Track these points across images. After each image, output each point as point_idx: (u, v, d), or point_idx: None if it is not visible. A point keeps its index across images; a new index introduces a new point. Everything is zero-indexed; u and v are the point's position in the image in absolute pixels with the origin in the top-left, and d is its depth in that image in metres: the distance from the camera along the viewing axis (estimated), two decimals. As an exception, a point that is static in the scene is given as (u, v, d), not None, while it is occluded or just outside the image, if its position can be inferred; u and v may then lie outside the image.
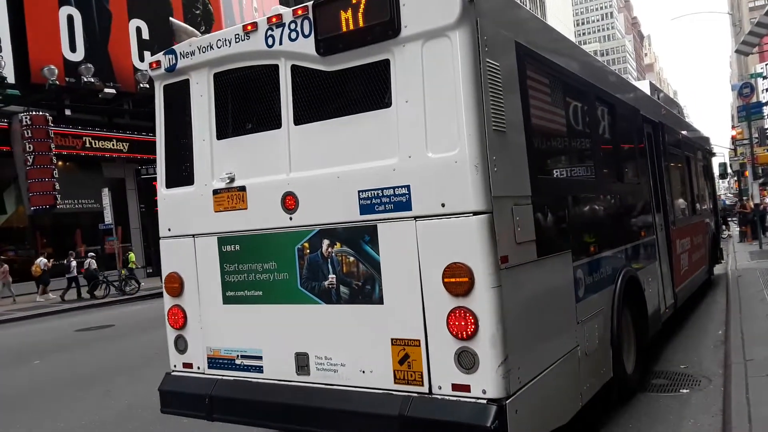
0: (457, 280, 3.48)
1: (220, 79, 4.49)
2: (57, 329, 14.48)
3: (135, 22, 27.95)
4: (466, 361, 3.49)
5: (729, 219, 27.67)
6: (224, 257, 4.43)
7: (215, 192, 4.45)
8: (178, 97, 4.69)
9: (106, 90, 25.62)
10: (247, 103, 4.46)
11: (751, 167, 23.72)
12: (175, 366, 4.73)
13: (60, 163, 24.03)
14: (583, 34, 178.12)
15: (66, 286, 21.85)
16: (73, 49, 25.59)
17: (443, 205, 3.55)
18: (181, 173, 4.68)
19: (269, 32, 4.17)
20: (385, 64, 3.78)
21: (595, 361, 4.90)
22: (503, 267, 3.54)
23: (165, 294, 4.74)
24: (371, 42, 3.78)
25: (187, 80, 4.63)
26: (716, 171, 17.19)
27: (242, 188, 4.33)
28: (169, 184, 4.75)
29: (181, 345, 4.68)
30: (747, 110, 21.79)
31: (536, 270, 4.01)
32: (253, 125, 4.39)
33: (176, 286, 4.65)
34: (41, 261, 21.28)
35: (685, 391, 5.90)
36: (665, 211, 7.98)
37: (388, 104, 3.77)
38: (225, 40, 4.39)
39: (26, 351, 11.47)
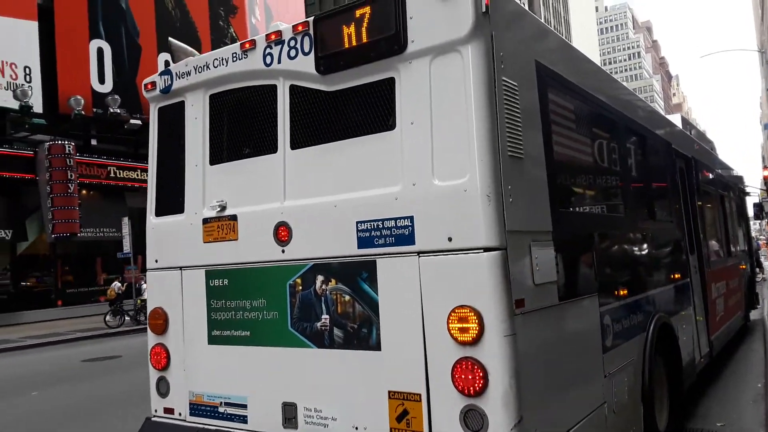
0: (464, 326, 3.04)
1: (215, 100, 4.19)
2: (64, 359, 14.17)
3: (164, 56, 28.34)
4: (474, 422, 3.02)
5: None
6: (212, 292, 4.04)
7: (205, 221, 4.10)
8: (173, 120, 4.39)
9: (132, 121, 25.85)
10: (242, 126, 4.13)
11: (784, 208, 22.80)
12: (155, 411, 4.31)
13: (84, 191, 24.20)
14: (611, 73, 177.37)
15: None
16: (101, 80, 26.00)
17: (450, 240, 3.13)
18: (171, 201, 4.34)
19: (267, 50, 3.86)
20: (390, 83, 3.42)
21: (624, 419, 4.35)
22: (518, 312, 3.08)
23: (149, 331, 4.36)
24: (375, 59, 3.43)
25: (183, 102, 4.33)
26: (750, 211, 16.44)
27: (233, 217, 3.97)
28: (159, 212, 4.42)
29: (162, 388, 4.27)
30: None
31: (557, 316, 3.54)
32: (248, 150, 4.05)
33: (160, 322, 4.27)
34: (116, 285, 21.20)
35: (723, 453, 5.29)
36: (699, 252, 7.43)
37: (392, 126, 3.40)
38: (222, 59, 4.09)
39: (27, 381, 11.14)
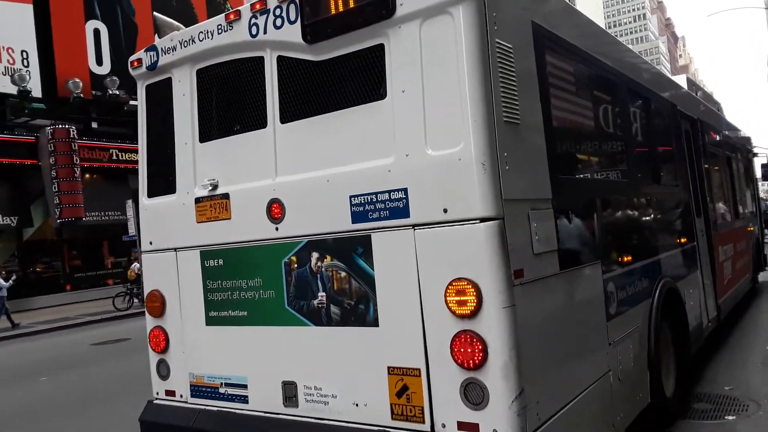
0: (462, 298, 2.95)
1: (203, 75, 4.06)
2: (73, 343, 14.27)
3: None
4: (474, 395, 2.95)
5: None
6: (207, 273, 3.97)
7: (197, 200, 4.01)
8: (161, 97, 4.27)
9: (132, 102, 25.60)
10: (231, 101, 4.01)
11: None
12: (157, 393, 4.28)
13: (87, 175, 24.14)
14: (616, 35, 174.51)
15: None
16: (99, 62, 25.73)
17: (445, 211, 3.03)
18: (163, 181, 4.25)
19: (253, 20, 3.73)
20: (380, 50, 3.29)
21: (630, 386, 4.30)
22: (517, 283, 2.99)
23: (147, 314, 4.31)
24: (363, 25, 3.30)
25: (170, 78, 4.21)
26: (758, 172, 16.20)
27: (225, 196, 3.88)
28: (151, 193, 4.33)
29: (163, 370, 4.23)
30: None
31: (559, 285, 3.45)
32: (238, 125, 3.94)
33: (158, 305, 4.21)
34: (135, 266, 21.28)
35: (730, 417, 5.23)
36: (706, 215, 7.30)
37: (383, 95, 3.28)
38: (207, 32, 3.96)
39: (37, 366, 11.23)
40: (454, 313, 2.99)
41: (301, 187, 3.55)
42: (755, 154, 15.56)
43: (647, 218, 5.27)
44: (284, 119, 3.65)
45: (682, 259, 6.04)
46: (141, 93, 4.40)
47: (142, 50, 4.36)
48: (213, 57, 3.97)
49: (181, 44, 4.09)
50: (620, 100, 4.90)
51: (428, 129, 3.09)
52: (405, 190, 3.16)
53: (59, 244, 25.38)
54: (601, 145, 4.71)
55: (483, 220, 2.93)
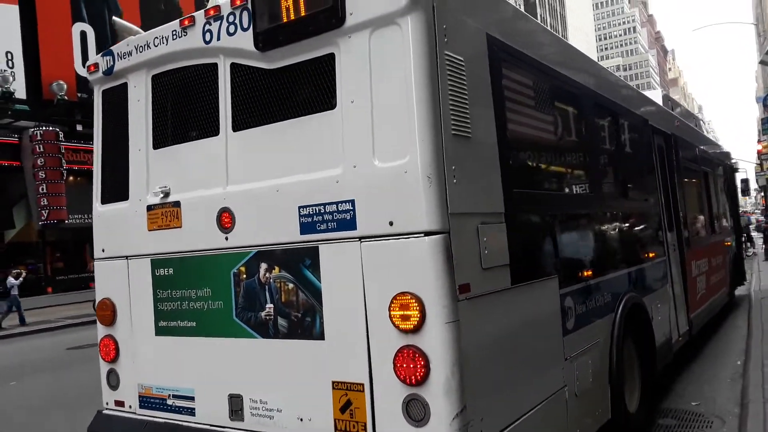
0: (406, 313, 2.91)
1: (158, 81, 4.01)
2: (51, 346, 14.09)
3: (148, 38, 27.89)
4: (416, 411, 2.90)
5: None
6: (157, 282, 3.91)
7: (149, 208, 3.94)
8: (117, 103, 4.22)
9: (117, 105, 25.48)
10: (184, 108, 3.95)
11: (777, 183, 22.71)
12: (107, 403, 4.20)
13: (71, 178, 23.95)
14: (606, 48, 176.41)
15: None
16: (85, 65, 25.56)
17: (391, 224, 2.99)
18: (117, 188, 4.18)
19: (207, 26, 3.68)
20: (330, 59, 3.25)
21: (588, 402, 4.25)
22: (462, 298, 2.95)
23: (98, 323, 4.23)
24: (314, 33, 3.26)
25: (125, 84, 4.15)
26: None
27: (177, 204, 3.82)
28: (105, 199, 4.26)
29: (113, 380, 4.15)
30: (772, 123, 20.88)
31: (509, 300, 3.41)
32: (190, 132, 3.88)
33: (108, 313, 4.13)
34: None
35: (695, 434, 5.21)
36: (678, 230, 7.29)
37: (333, 106, 3.23)
38: (162, 38, 3.91)
39: (8, 370, 11.06)
40: (397, 327, 2.94)
41: (252, 196, 3.49)
42: (736, 170, 15.68)
43: (611, 233, 5.24)
44: (236, 127, 3.60)
45: (650, 274, 6.02)
46: (97, 98, 4.34)
47: (99, 55, 4.29)
48: (168, 63, 3.91)
49: (136, 49, 4.04)
50: (582, 113, 4.88)
51: (376, 140, 3.05)
52: (352, 202, 3.11)
53: (41, 247, 25.14)
54: (560, 158, 4.68)
55: (428, 233, 2.89)
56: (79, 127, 25.64)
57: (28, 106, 23.01)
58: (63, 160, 22.78)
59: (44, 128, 22.59)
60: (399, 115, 2.97)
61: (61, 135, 22.88)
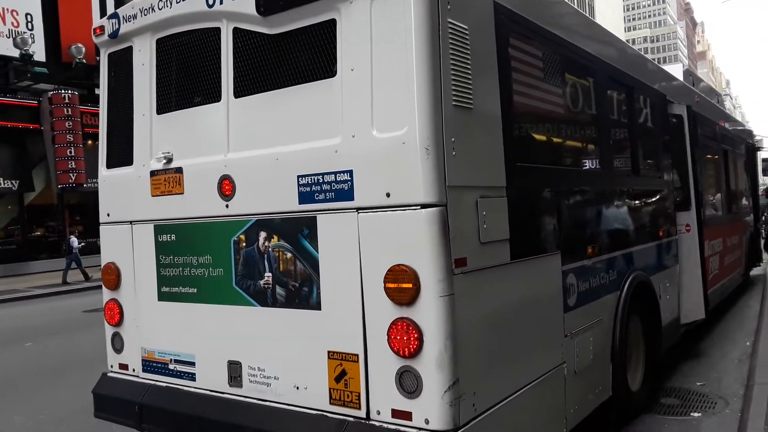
0: (400, 285, 2.89)
1: (162, 45, 3.97)
2: (66, 309, 14.38)
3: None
4: (409, 383, 2.91)
5: None
6: (160, 248, 3.93)
7: (152, 173, 3.95)
8: (122, 66, 4.19)
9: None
10: (188, 73, 3.91)
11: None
12: (111, 366, 4.27)
13: (90, 141, 24.12)
14: (633, 19, 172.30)
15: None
16: (102, 28, 25.52)
17: (388, 195, 2.95)
18: (122, 152, 4.18)
19: None
20: (331, 25, 3.18)
21: (587, 379, 4.24)
22: (458, 271, 2.92)
23: (103, 286, 4.28)
24: None
25: (131, 47, 4.12)
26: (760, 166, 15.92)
27: (179, 170, 3.81)
28: (110, 164, 4.28)
29: (117, 344, 4.21)
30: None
31: (508, 275, 3.37)
32: (193, 98, 3.85)
33: (113, 278, 4.18)
34: None
35: (696, 414, 5.18)
36: (697, 208, 7.13)
37: (333, 73, 3.18)
38: (167, 1, 3.86)
39: (24, 332, 11.30)
40: (392, 299, 2.93)
41: (252, 164, 3.47)
42: (759, 148, 15.31)
43: (618, 210, 5.15)
44: (238, 94, 3.56)
45: (659, 253, 5.94)
46: (103, 61, 4.32)
47: (105, 17, 4.26)
48: (171, 26, 3.87)
49: (141, 12, 3.99)
50: (594, 86, 4.76)
51: (375, 110, 3.00)
52: (350, 172, 3.08)
53: (60, 210, 25.47)
54: (568, 132, 4.58)
55: (424, 206, 2.85)
56: (97, 91, 25.72)
57: (47, 68, 23.09)
58: (76, 123, 22.89)
59: (62, 90, 22.67)
60: (398, 84, 2.91)
61: (73, 97, 22.88)
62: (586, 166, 4.81)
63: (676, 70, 8.25)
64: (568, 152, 4.63)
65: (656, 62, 7.50)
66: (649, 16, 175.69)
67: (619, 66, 5.27)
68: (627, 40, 6.20)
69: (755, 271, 12.57)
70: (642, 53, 6.65)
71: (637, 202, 5.54)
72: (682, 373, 6.40)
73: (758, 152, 15.30)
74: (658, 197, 6.14)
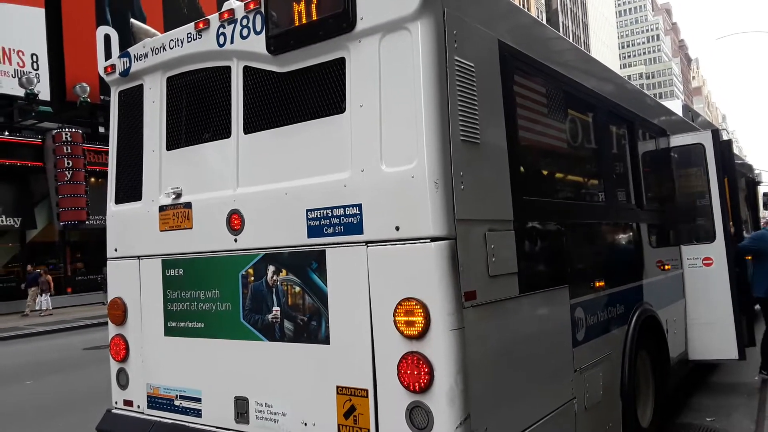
0: (410, 319, 2.88)
1: (173, 83, 4.04)
2: (68, 347, 14.26)
3: (171, 42, 28.22)
4: (419, 419, 2.88)
5: None
6: (168, 282, 3.93)
7: (161, 209, 3.97)
8: (133, 104, 4.26)
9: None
10: (198, 109, 3.97)
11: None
12: (116, 402, 4.22)
13: (92, 179, 24.30)
14: (629, 56, 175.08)
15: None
16: (107, 67, 25.94)
17: (398, 229, 2.97)
18: (130, 188, 4.22)
19: (221, 30, 3.71)
20: (341, 63, 3.25)
21: (597, 415, 4.19)
22: (468, 305, 2.92)
23: (109, 322, 4.26)
24: (325, 38, 3.26)
25: (141, 85, 4.19)
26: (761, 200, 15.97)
27: (188, 205, 3.84)
28: (119, 199, 4.30)
29: (122, 379, 4.18)
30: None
31: (517, 308, 3.37)
32: (203, 134, 3.91)
33: (119, 313, 4.17)
34: None
35: (707, 451, 5.11)
36: (723, 238, 7.09)
37: (342, 110, 3.23)
38: (178, 41, 3.95)
39: (26, 369, 11.22)
40: (402, 333, 2.92)
41: (261, 198, 3.50)
42: (758, 182, 15.39)
43: (624, 244, 5.17)
44: (248, 130, 3.62)
45: (665, 287, 5.92)
46: (114, 99, 4.39)
47: (116, 56, 4.35)
48: (182, 65, 3.95)
49: (152, 51, 4.08)
50: (596, 122, 4.83)
51: (384, 145, 3.04)
52: (359, 206, 3.11)
53: (62, 247, 25.50)
54: (572, 167, 4.63)
55: (434, 239, 2.87)
56: (101, 129, 26.04)
57: (51, 107, 23.43)
58: (79, 161, 23.09)
59: (66, 129, 22.95)
60: (407, 119, 2.96)
61: (76, 136, 23.11)
62: (589, 199, 4.85)
63: (675, 106, 8.34)
64: (573, 186, 4.67)
65: (654, 97, 7.60)
66: (644, 53, 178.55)
67: (621, 102, 5.35)
68: (624, 77, 6.25)
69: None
70: (641, 89, 6.74)
71: (640, 235, 5.54)
72: (692, 408, 6.32)
73: (758, 186, 15.38)
74: (661, 230, 6.15)
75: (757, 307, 7.85)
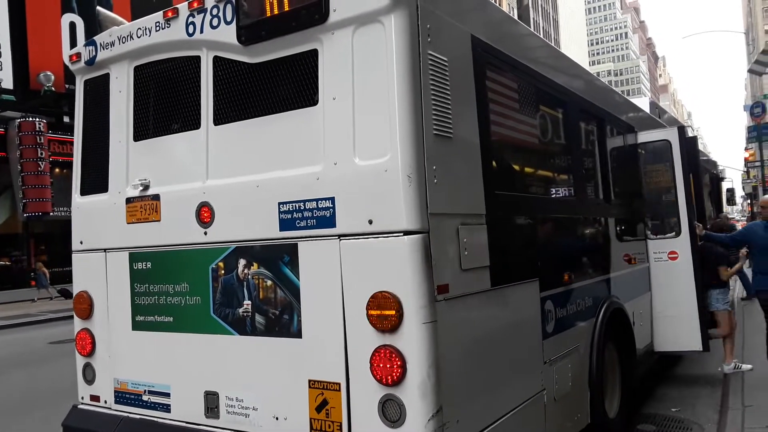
0: (383, 312, 2.88)
1: (140, 73, 3.96)
2: (32, 341, 13.93)
3: (139, 31, 27.64)
4: (392, 412, 2.88)
5: None
6: (135, 276, 3.86)
7: (128, 201, 3.89)
8: (99, 93, 4.16)
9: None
10: (166, 100, 3.90)
11: (762, 189, 22.94)
12: (82, 398, 4.14)
13: (57, 170, 23.71)
14: (597, 53, 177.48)
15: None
16: (72, 55, 25.30)
17: (371, 222, 2.96)
18: (96, 179, 4.12)
19: (190, 19, 3.64)
20: (313, 55, 3.21)
21: (566, 406, 4.25)
22: (441, 298, 2.93)
23: (74, 316, 4.17)
24: (297, 29, 3.22)
25: (108, 75, 4.10)
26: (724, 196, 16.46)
27: (156, 197, 3.77)
28: (84, 191, 4.20)
29: (89, 374, 4.09)
30: (758, 130, 21.11)
31: (489, 302, 3.39)
32: (172, 125, 3.84)
33: (85, 307, 4.08)
34: None
35: (672, 441, 5.23)
36: (688, 233, 7.24)
37: (315, 102, 3.20)
38: (145, 29, 3.87)
39: (-11, 365, 10.93)
40: (375, 327, 2.91)
41: (231, 191, 3.46)
42: (722, 178, 15.80)
43: (593, 238, 5.24)
44: (217, 121, 3.56)
45: (632, 280, 6.03)
46: (79, 88, 4.28)
47: (81, 44, 4.24)
48: (150, 54, 3.87)
49: (119, 40, 3.99)
50: (566, 117, 4.88)
51: (357, 138, 3.02)
52: (332, 200, 3.09)
53: (25, 239, 24.87)
54: (543, 161, 4.68)
55: (407, 233, 2.86)
56: (66, 119, 25.38)
57: (14, 96, 22.75)
58: (42, 152, 22.51)
59: (27, 118, 22.34)
60: (380, 113, 2.95)
61: (41, 126, 22.56)
62: (559, 194, 4.90)
63: (642, 103, 8.47)
64: (543, 180, 4.72)
65: (622, 95, 7.72)
66: (613, 50, 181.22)
67: (591, 99, 5.42)
68: (593, 74, 6.32)
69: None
70: (610, 86, 6.84)
71: (608, 229, 5.63)
72: (657, 398, 6.46)
73: (722, 182, 15.79)
74: (628, 224, 6.26)
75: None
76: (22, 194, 22.17)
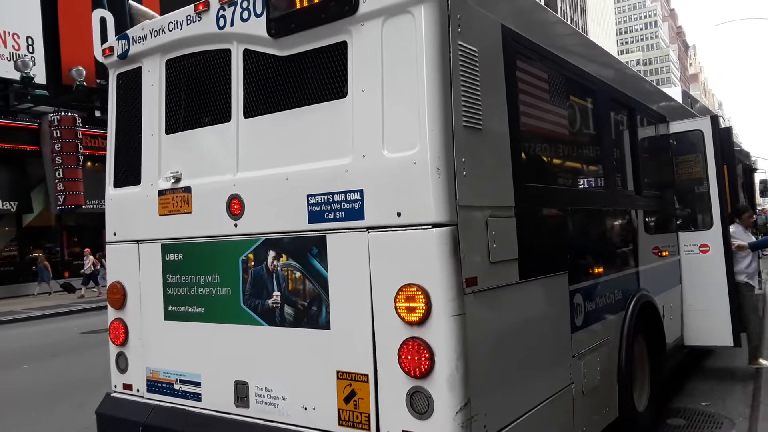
0: (411, 305, 2.89)
1: (172, 66, 4.01)
2: (65, 331, 14.28)
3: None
4: (419, 404, 2.89)
5: None
6: (167, 267, 3.92)
7: (160, 193, 3.96)
8: (131, 87, 4.22)
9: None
10: (197, 93, 3.94)
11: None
12: (115, 386, 4.23)
13: (89, 163, 24.15)
14: (626, 42, 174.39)
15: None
16: (103, 50, 25.69)
17: (399, 215, 2.96)
18: (129, 172, 4.20)
19: (221, 12, 3.67)
20: (342, 47, 3.22)
21: (595, 400, 4.22)
22: (469, 291, 2.92)
23: (108, 306, 4.26)
24: (326, 21, 3.23)
25: (140, 68, 4.16)
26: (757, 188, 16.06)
27: (188, 189, 3.82)
28: (118, 183, 4.28)
29: (122, 363, 4.18)
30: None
31: (517, 294, 3.38)
32: (203, 118, 3.88)
33: (119, 297, 4.16)
34: None
35: (704, 435, 5.15)
36: (721, 226, 7.11)
37: (344, 94, 3.21)
38: (177, 23, 3.91)
39: (23, 353, 11.23)
40: (403, 319, 2.92)
41: (261, 183, 3.49)
42: (755, 169, 15.43)
43: (623, 230, 5.17)
44: (248, 114, 3.59)
45: (662, 273, 5.94)
46: (112, 82, 4.35)
47: (114, 38, 4.31)
48: (182, 48, 3.91)
49: (151, 34, 4.04)
50: (597, 107, 4.81)
51: (386, 130, 3.03)
52: (361, 192, 3.10)
53: (58, 231, 25.41)
54: (574, 153, 4.62)
55: (435, 225, 2.86)
56: (97, 113, 25.84)
57: (47, 91, 23.21)
58: (75, 145, 22.93)
59: (62, 113, 22.78)
60: (409, 105, 2.94)
61: (79, 120, 23.04)
62: (590, 185, 4.84)
63: (674, 92, 8.32)
64: (573, 172, 4.67)
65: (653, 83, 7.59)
66: (642, 39, 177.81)
67: (622, 88, 5.33)
68: (622, 62, 6.21)
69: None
70: (641, 76, 6.72)
71: (639, 222, 5.55)
72: (687, 393, 6.37)
73: (755, 173, 15.43)
74: (661, 217, 6.16)
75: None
76: (62, 187, 22.55)
